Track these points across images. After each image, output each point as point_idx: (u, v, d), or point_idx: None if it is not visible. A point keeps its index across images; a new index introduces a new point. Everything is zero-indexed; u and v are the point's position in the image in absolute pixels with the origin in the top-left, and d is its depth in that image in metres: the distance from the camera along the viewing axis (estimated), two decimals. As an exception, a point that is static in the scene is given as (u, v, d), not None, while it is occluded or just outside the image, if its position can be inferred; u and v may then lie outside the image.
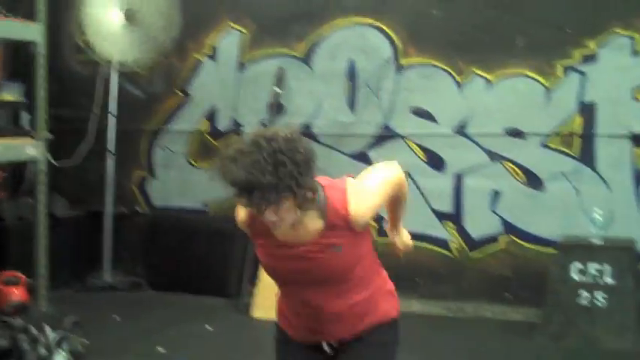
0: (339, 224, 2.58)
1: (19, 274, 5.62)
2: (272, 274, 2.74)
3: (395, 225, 2.97)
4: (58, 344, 4.49)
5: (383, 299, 2.79)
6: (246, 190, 2.38)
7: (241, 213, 2.69)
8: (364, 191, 2.62)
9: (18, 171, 6.39)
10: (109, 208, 6.51)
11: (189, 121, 6.63)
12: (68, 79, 6.81)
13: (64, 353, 4.46)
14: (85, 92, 6.74)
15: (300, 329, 2.78)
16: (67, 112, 6.61)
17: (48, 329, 4.57)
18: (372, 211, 2.63)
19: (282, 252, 2.62)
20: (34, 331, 4.61)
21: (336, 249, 2.60)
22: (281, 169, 2.37)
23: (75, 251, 6.51)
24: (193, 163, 6.64)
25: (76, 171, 6.59)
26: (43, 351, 4.48)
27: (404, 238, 3.03)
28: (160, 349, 4.93)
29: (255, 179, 2.35)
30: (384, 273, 2.86)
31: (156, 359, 4.83)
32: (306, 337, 2.78)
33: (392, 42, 6.10)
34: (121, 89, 6.61)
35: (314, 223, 2.59)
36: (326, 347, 2.77)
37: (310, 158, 2.46)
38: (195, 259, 6.35)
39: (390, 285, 2.86)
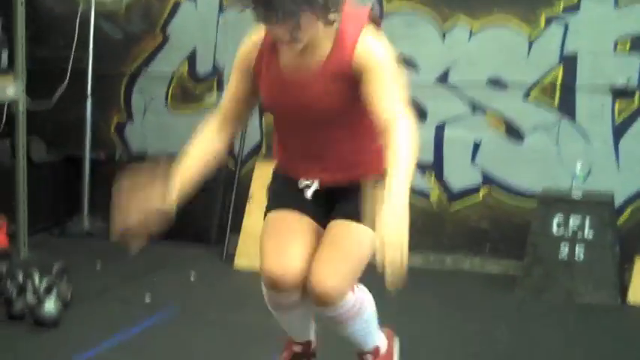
0: (344, 57, 2.61)
1: (1, 218, 5.55)
2: (274, 110, 2.81)
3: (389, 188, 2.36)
4: (47, 291, 4.45)
5: (377, 165, 2.75)
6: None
7: (247, 45, 2.78)
8: (381, 43, 2.68)
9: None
10: (87, 153, 6.42)
11: (168, 63, 6.51)
12: (44, 17, 6.62)
13: (53, 300, 4.42)
14: (62, 31, 6.57)
15: (296, 166, 2.85)
16: (43, 52, 6.47)
17: (36, 276, 4.52)
18: (379, 61, 2.63)
19: (284, 84, 2.68)
20: (20, 277, 4.58)
21: (335, 83, 2.63)
22: None
23: (52, 196, 6.43)
24: (172, 108, 6.56)
25: (53, 114, 6.45)
26: (31, 298, 4.44)
27: (389, 227, 2.28)
28: (147, 298, 4.93)
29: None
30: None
31: (142, 306, 4.84)
32: (301, 172, 2.85)
33: (375, -13, 6.04)
34: (98, 29, 6.48)
35: (322, 46, 2.62)
36: (309, 187, 2.83)
37: None
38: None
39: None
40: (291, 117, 2.76)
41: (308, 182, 2.86)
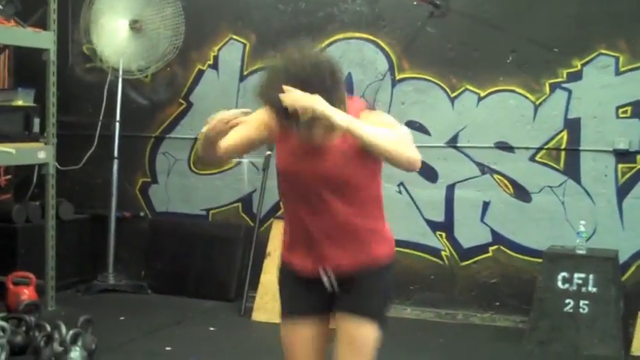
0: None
1: (30, 275, 5.82)
2: (288, 175, 3.04)
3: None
4: (73, 341, 4.68)
5: (380, 242, 3.05)
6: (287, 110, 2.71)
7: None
8: (380, 114, 2.98)
9: (25, 175, 6.58)
10: (112, 213, 6.70)
11: (191, 128, 6.83)
12: (74, 85, 7.02)
13: (78, 350, 4.64)
14: (90, 99, 6.97)
15: (302, 255, 3.05)
16: (72, 118, 6.82)
17: (63, 326, 4.75)
18: (381, 119, 2.91)
19: (301, 154, 2.95)
20: (48, 328, 4.82)
21: (345, 154, 2.92)
22: (317, 80, 2.75)
23: (79, 254, 6.72)
24: (195, 170, 6.86)
25: (81, 175, 6.82)
26: (58, 347, 4.66)
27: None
28: (168, 348, 5.15)
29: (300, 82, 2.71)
30: (387, 225, 3.10)
31: (164, 357, 5.05)
32: (307, 264, 3.05)
33: (388, 57, 6.35)
34: (125, 96, 6.84)
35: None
36: (324, 278, 3.01)
37: (339, 74, 2.85)
38: (196, 264, 6.59)
39: (389, 234, 3.12)
40: (304, 185, 3.00)
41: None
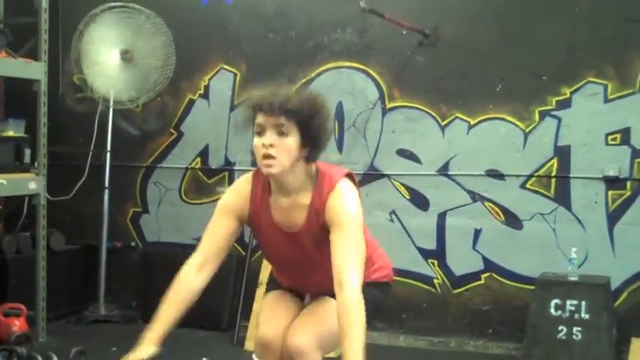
0: (319, 209, 2.94)
1: (21, 306, 5.79)
2: (271, 259, 3.25)
3: None
4: (65, 373, 4.67)
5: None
6: (269, 98, 2.81)
7: (235, 194, 3.11)
8: (350, 198, 2.95)
9: (15, 205, 6.56)
10: (103, 243, 6.69)
11: (182, 158, 6.87)
12: (65, 116, 7.04)
13: (70, 382, 4.63)
14: (81, 129, 6.97)
15: (289, 283, 3.31)
16: (62, 149, 6.82)
17: (55, 358, 4.73)
18: (345, 215, 2.90)
19: (281, 239, 3.05)
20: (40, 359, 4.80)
21: (316, 242, 2.99)
22: (303, 103, 2.85)
23: (70, 284, 6.68)
24: (186, 199, 6.87)
25: (72, 206, 6.81)
26: (50, 380, 4.65)
27: None
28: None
29: (281, 95, 2.82)
30: (375, 256, 3.29)
31: (157, 388, 5.00)
32: (295, 287, 3.34)
33: (378, 85, 6.38)
34: (116, 126, 6.85)
35: (304, 198, 2.95)
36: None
37: (326, 115, 2.94)
38: (188, 294, 6.54)
39: (378, 264, 3.32)
40: (287, 262, 3.20)
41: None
